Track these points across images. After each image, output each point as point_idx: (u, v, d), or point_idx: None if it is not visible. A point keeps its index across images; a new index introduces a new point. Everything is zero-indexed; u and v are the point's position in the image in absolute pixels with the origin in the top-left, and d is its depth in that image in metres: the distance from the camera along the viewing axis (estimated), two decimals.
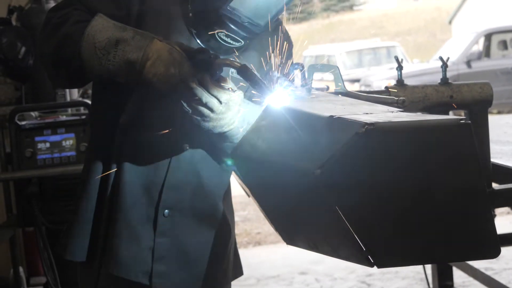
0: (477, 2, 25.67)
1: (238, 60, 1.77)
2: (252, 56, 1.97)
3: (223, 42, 1.86)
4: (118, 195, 1.94)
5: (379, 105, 1.72)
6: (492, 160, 2.40)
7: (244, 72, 1.71)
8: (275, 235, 4.16)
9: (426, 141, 1.36)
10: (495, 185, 2.47)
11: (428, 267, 4.09)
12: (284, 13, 1.88)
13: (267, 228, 6.53)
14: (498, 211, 6.08)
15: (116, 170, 1.94)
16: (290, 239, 1.75)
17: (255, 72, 1.71)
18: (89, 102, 3.47)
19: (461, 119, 1.33)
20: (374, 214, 1.39)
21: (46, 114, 3.81)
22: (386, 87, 2.25)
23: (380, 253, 1.42)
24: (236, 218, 2.60)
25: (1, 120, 3.67)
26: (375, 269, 1.90)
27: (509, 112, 13.99)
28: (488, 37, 15.01)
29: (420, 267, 4.17)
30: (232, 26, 1.82)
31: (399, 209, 1.40)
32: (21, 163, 3.45)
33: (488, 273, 4.02)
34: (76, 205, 2.02)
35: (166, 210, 1.95)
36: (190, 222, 1.99)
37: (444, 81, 2.27)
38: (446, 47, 15.70)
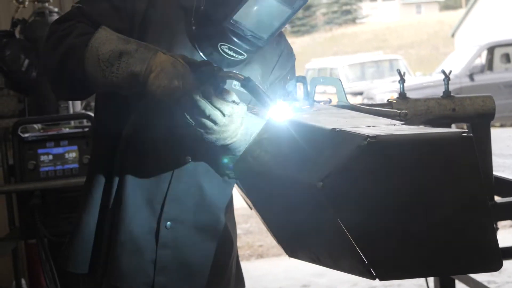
0: (479, 16, 25.75)
1: (241, 73, 1.77)
2: (255, 69, 1.97)
3: (226, 55, 1.86)
4: (120, 207, 1.94)
5: (381, 118, 1.72)
6: (494, 173, 2.39)
7: (247, 84, 1.71)
8: (278, 248, 4.15)
9: (428, 154, 1.36)
10: (497, 198, 2.47)
11: (431, 280, 4.07)
12: (286, 26, 1.88)
13: (269, 240, 6.52)
14: (500, 224, 6.08)
15: (118, 182, 1.95)
16: (293, 251, 1.75)
17: (258, 85, 1.71)
18: (92, 114, 3.49)
19: (463, 132, 1.33)
20: (376, 226, 1.39)
21: (49, 126, 3.82)
22: (389, 100, 2.25)
23: (382, 265, 1.42)
24: (239, 231, 2.59)
25: (4, 132, 3.68)
26: (377, 282, 1.89)
27: (511, 125, 13.98)
28: (491, 50, 15.01)
29: (422, 280, 4.16)
30: (235, 39, 1.82)
31: (401, 222, 1.40)
32: (24, 175, 3.45)
33: (491, 286, 4.02)
34: (78, 217, 2.02)
35: (168, 222, 1.95)
36: (192, 234, 1.99)
37: (447, 94, 2.26)
38: (449, 60, 15.70)
